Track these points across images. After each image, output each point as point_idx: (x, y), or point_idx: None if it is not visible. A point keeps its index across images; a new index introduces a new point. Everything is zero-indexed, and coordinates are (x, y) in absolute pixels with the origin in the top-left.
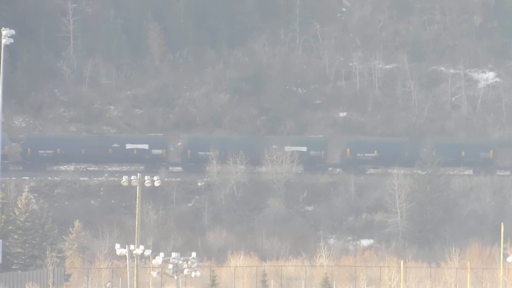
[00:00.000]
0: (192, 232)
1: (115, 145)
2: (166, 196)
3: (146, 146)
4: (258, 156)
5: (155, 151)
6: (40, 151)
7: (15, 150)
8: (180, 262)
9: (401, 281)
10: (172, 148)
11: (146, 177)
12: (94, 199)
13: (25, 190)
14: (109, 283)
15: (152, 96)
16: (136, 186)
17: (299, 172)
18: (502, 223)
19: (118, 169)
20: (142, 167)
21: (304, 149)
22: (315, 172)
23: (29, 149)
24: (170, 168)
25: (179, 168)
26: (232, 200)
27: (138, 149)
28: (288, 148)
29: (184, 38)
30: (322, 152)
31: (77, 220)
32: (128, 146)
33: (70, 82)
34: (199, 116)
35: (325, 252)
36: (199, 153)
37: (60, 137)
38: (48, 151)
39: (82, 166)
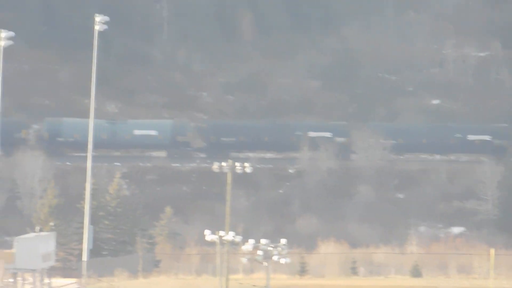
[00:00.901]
0: (282, 219)
1: (137, 131)
2: (257, 183)
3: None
4: (349, 143)
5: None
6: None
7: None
8: (270, 248)
9: (491, 268)
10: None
11: (237, 164)
12: (185, 185)
13: (116, 176)
14: None
15: (244, 82)
16: (227, 172)
17: (390, 159)
18: None
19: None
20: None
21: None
22: (406, 159)
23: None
24: (261, 154)
25: (270, 155)
26: (322, 187)
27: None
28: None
29: (277, 24)
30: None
31: (168, 206)
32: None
33: (162, 68)
34: (291, 103)
35: (415, 239)
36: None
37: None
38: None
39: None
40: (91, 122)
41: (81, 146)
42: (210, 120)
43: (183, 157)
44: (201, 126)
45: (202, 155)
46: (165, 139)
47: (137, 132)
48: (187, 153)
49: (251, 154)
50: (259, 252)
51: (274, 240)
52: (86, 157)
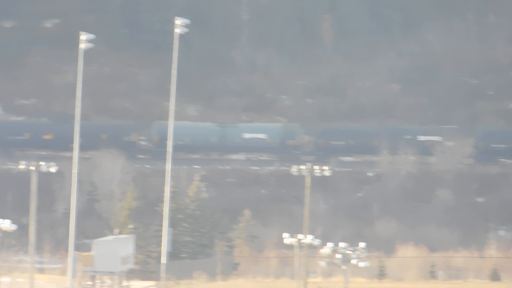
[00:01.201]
0: (361, 222)
1: (246, 134)
2: (336, 186)
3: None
4: (428, 146)
5: (333, 142)
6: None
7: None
8: (349, 252)
9: None
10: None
11: (316, 167)
12: (264, 188)
13: (196, 179)
14: None
15: (323, 85)
16: (306, 175)
17: (470, 163)
18: None
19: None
20: (313, 157)
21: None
22: (485, 163)
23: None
24: (340, 158)
25: (349, 158)
26: (401, 191)
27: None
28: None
29: (357, 27)
30: (493, 143)
31: (247, 209)
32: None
33: (242, 71)
34: (371, 106)
35: (494, 243)
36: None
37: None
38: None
39: (253, 156)
40: (170, 124)
41: (191, 149)
42: (319, 124)
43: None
44: (310, 130)
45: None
46: (274, 143)
47: (246, 135)
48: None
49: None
50: (338, 256)
51: (352, 243)
52: (186, 159)
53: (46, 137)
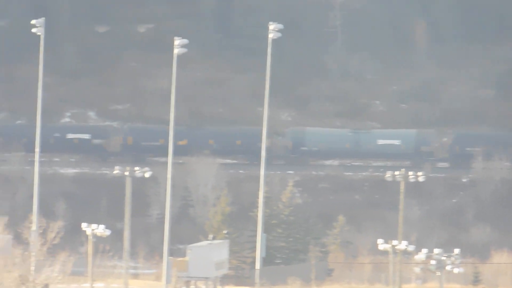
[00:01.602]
0: (456, 228)
1: (380, 141)
2: (431, 192)
3: (398, 142)
4: None
5: (423, 148)
6: (302, 147)
7: (280, 145)
8: (443, 258)
9: None
10: (437, 144)
11: (410, 173)
12: (358, 193)
13: (289, 184)
14: None
15: (417, 91)
16: (400, 181)
17: None
18: None
19: (382, 164)
20: (408, 162)
21: None
22: None
23: (292, 143)
24: (435, 163)
25: (444, 164)
26: (496, 197)
27: (394, 144)
28: None
29: (450, 32)
30: None
31: (341, 215)
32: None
33: (335, 76)
34: (464, 112)
35: None
36: (467, 149)
37: (325, 131)
38: (313, 147)
39: (347, 161)
40: (264, 130)
41: (324, 155)
42: (455, 130)
43: (355, 166)
44: (445, 136)
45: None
46: (408, 149)
47: (380, 141)
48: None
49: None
50: (432, 262)
51: (447, 249)
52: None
53: (181, 142)
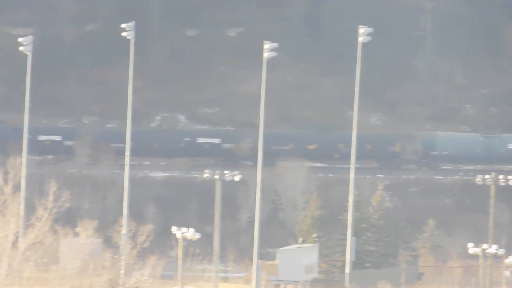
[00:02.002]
0: None
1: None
2: None
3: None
4: None
5: None
6: (433, 152)
7: (410, 149)
8: None
9: None
10: None
11: (500, 176)
12: (448, 197)
13: (379, 188)
14: None
15: (508, 94)
16: (491, 185)
17: None
18: None
19: (472, 168)
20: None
21: None
22: None
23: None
24: None
25: None
26: None
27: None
28: None
29: None
30: None
31: (431, 219)
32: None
33: (425, 80)
34: None
35: None
36: None
37: (455, 136)
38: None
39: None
40: (354, 133)
41: (455, 159)
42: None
43: (444, 170)
44: None
45: None
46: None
47: (511, 146)
48: None
49: None
50: None
51: None
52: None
53: (311, 147)
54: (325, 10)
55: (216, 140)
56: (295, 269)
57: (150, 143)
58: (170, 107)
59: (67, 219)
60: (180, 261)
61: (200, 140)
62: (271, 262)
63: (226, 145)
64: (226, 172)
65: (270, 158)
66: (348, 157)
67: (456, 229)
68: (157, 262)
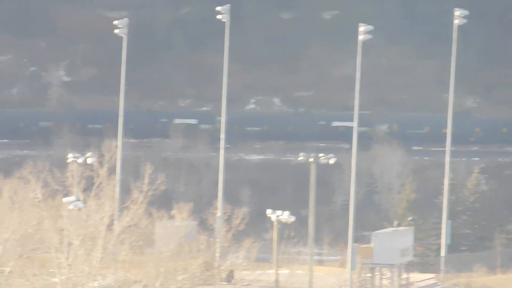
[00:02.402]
0: None
1: None
2: None
3: None
4: None
5: None
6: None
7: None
8: None
9: None
10: None
11: None
12: None
13: (475, 171)
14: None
15: None
16: None
17: None
18: None
19: None
20: None
21: None
22: None
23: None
24: None
25: None
26: None
27: None
28: None
29: None
30: None
31: None
32: None
33: None
34: None
35: None
36: None
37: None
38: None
39: None
40: (449, 117)
41: None
42: None
43: None
44: None
45: None
46: None
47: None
48: None
49: None
50: None
51: None
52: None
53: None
54: None
55: (349, 124)
56: (390, 252)
57: (245, 126)
58: (265, 90)
59: (163, 202)
60: (275, 244)
61: (336, 123)
62: (366, 245)
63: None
64: (321, 155)
65: (365, 140)
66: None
67: None
68: (252, 245)
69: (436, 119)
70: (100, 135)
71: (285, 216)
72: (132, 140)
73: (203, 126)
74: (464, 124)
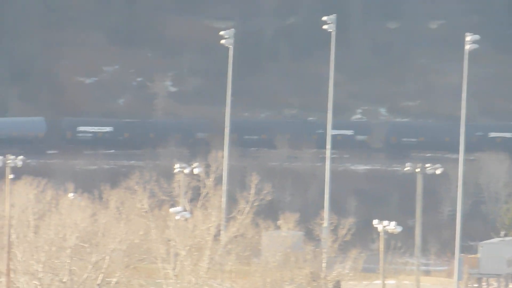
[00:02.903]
0: None
1: None
2: None
3: None
4: None
5: None
6: None
7: None
8: None
9: None
10: None
11: None
12: None
13: None
14: None
15: None
16: None
17: None
18: None
19: None
20: None
21: None
22: None
23: None
24: None
25: None
26: None
27: None
28: None
29: None
30: None
31: None
32: None
33: None
34: None
35: None
36: None
37: None
38: None
39: None
40: None
41: None
42: None
43: None
44: None
45: None
46: None
47: None
48: None
49: None
50: None
51: None
52: None
53: None
54: None
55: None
56: (497, 262)
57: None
58: (371, 100)
59: (269, 212)
60: (381, 254)
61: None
62: (472, 255)
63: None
64: (427, 165)
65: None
66: None
67: None
68: (359, 255)
69: None
70: (206, 145)
71: (392, 226)
72: (238, 150)
73: (309, 136)
74: None
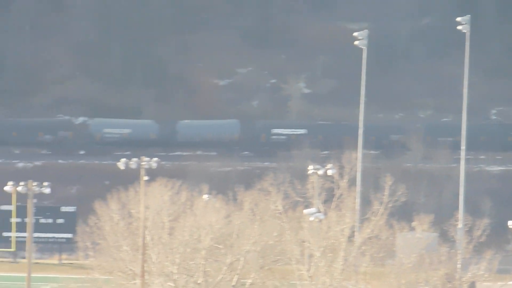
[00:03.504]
0: None
1: None
2: None
3: None
4: None
5: None
6: None
7: None
8: None
9: None
10: None
11: None
12: None
13: None
14: None
15: None
16: None
17: None
18: None
19: None
20: None
21: None
22: None
23: None
24: None
25: None
26: None
27: None
28: None
29: None
30: None
31: None
32: None
33: None
34: None
35: None
36: None
37: None
38: None
39: None
40: None
41: None
42: None
43: None
44: None
45: None
46: None
47: None
48: None
49: None
50: None
51: None
52: None
53: None
54: None
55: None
56: None
57: (486, 137)
58: (507, 101)
59: (403, 214)
60: None
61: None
62: None
63: None
64: None
65: None
66: None
67: None
68: (494, 257)
69: None
70: (340, 147)
71: None
72: (372, 152)
73: (444, 137)
74: None
